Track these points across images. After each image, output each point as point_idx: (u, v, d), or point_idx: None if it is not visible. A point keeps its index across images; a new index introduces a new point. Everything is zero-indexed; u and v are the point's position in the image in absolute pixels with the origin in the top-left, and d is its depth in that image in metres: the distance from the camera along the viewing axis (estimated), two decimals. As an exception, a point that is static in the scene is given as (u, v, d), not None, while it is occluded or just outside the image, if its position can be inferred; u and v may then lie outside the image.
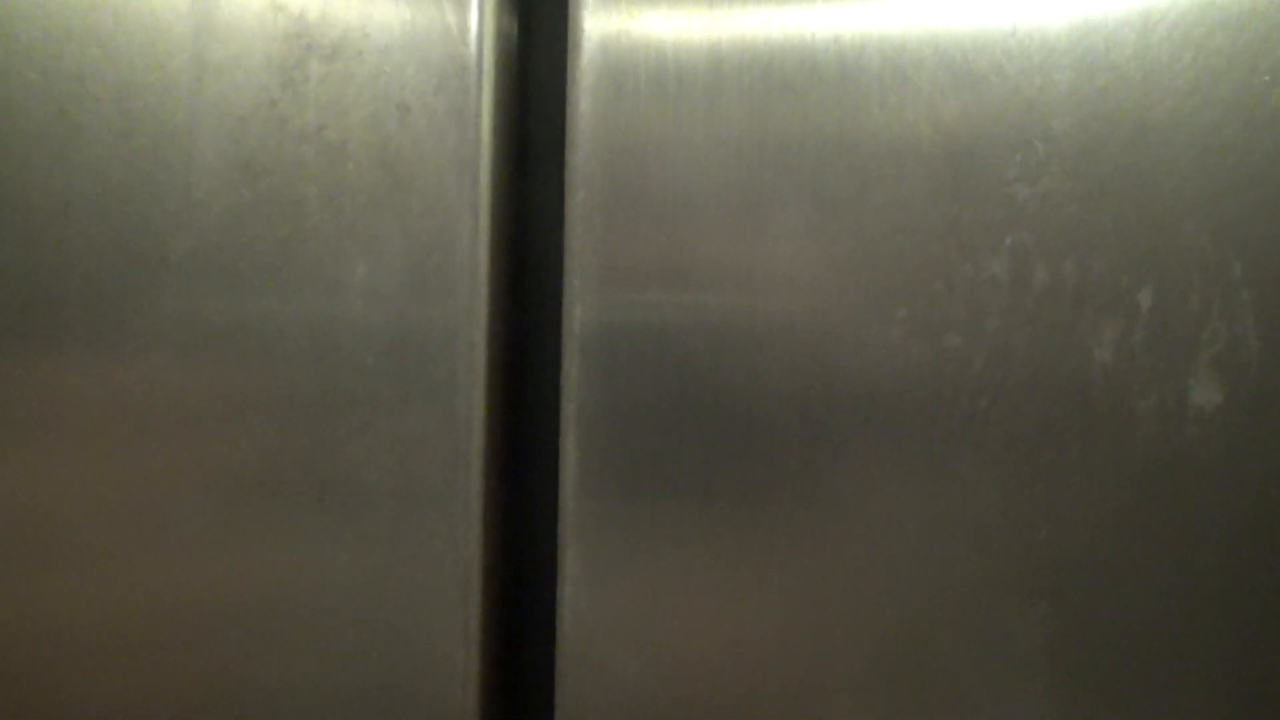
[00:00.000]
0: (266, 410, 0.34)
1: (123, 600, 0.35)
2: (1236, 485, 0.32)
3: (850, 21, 0.33)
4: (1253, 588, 0.32)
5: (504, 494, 0.37)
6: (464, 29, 0.33)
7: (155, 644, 0.35)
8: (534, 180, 0.38)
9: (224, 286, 0.34)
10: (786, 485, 0.34)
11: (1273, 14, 0.32)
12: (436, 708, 0.34)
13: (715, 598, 0.34)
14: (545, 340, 0.38)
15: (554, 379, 0.35)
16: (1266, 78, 0.32)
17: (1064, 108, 0.32)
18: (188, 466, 0.35)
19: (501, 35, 0.35)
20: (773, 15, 0.33)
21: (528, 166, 0.38)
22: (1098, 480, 0.32)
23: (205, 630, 0.35)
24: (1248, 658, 0.32)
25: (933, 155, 0.33)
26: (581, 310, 0.34)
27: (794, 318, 0.34)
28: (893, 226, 0.33)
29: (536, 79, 0.38)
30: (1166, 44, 0.32)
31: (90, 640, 0.36)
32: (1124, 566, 0.32)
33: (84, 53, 0.33)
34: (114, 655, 0.36)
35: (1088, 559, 0.33)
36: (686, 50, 0.33)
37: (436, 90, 0.33)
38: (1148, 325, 0.32)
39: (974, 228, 0.33)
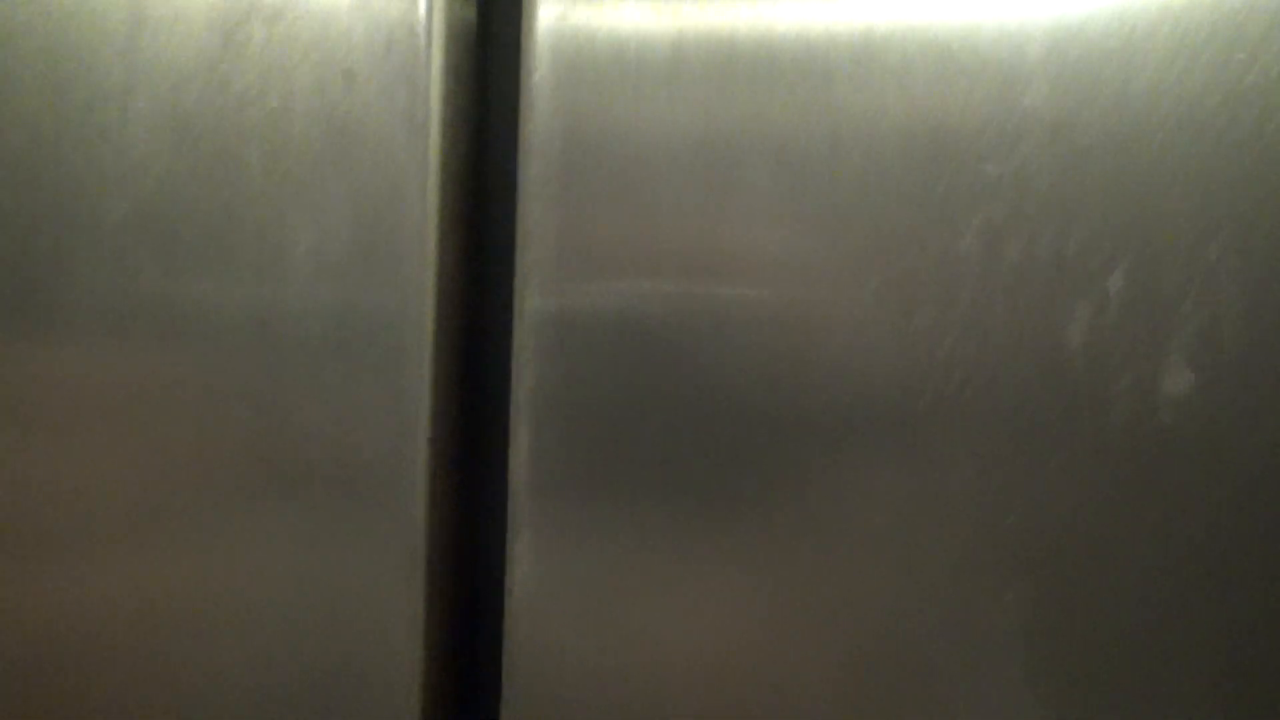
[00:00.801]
0: (203, 384, 0.33)
1: (41, 594, 0.34)
2: (1213, 468, 0.31)
3: (818, -14, 0.32)
4: (1231, 571, 0.31)
5: (456, 481, 0.35)
6: (416, -13, 0.32)
7: (80, 636, 0.34)
8: (494, 165, 0.37)
9: (161, 253, 0.32)
10: (752, 474, 0.32)
11: (1253, -16, 0.31)
12: (378, 699, 0.33)
13: (673, 592, 0.33)
14: (501, 319, 0.36)
15: (508, 360, 0.34)
16: (1242, 56, 0.31)
17: (1036, 81, 0.31)
18: (120, 449, 0.33)
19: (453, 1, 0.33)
20: (738, -21, 0.32)
21: (487, 152, 0.37)
22: (1072, 463, 0.31)
23: (132, 620, 0.33)
24: (1228, 642, 0.31)
25: (905, 125, 0.32)
26: (535, 294, 0.33)
27: (759, 294, 0.32)
28: (863, 197, 0.32)
29: (496, 59, 0.37)
30: (1144, 15, 0.31)
31: (8, 637, 0.34)
32: (1100, 550, 0.31)
33: (13, 3, 0.32)
34: (30, 651, 0.34)
35: (1063, 542, 0.31)
36: (648, 23, 0.32)
37: (385, 54, 0.32)
38: (1121, 305, 0.31)
39: (946, 202, 0.31)
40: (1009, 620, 0.31)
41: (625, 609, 0.33)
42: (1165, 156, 0.31)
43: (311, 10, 0.32)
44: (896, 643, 0.32)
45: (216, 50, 0.32)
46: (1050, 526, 0.31)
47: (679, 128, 0.32)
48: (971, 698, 0.32)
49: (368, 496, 0.33)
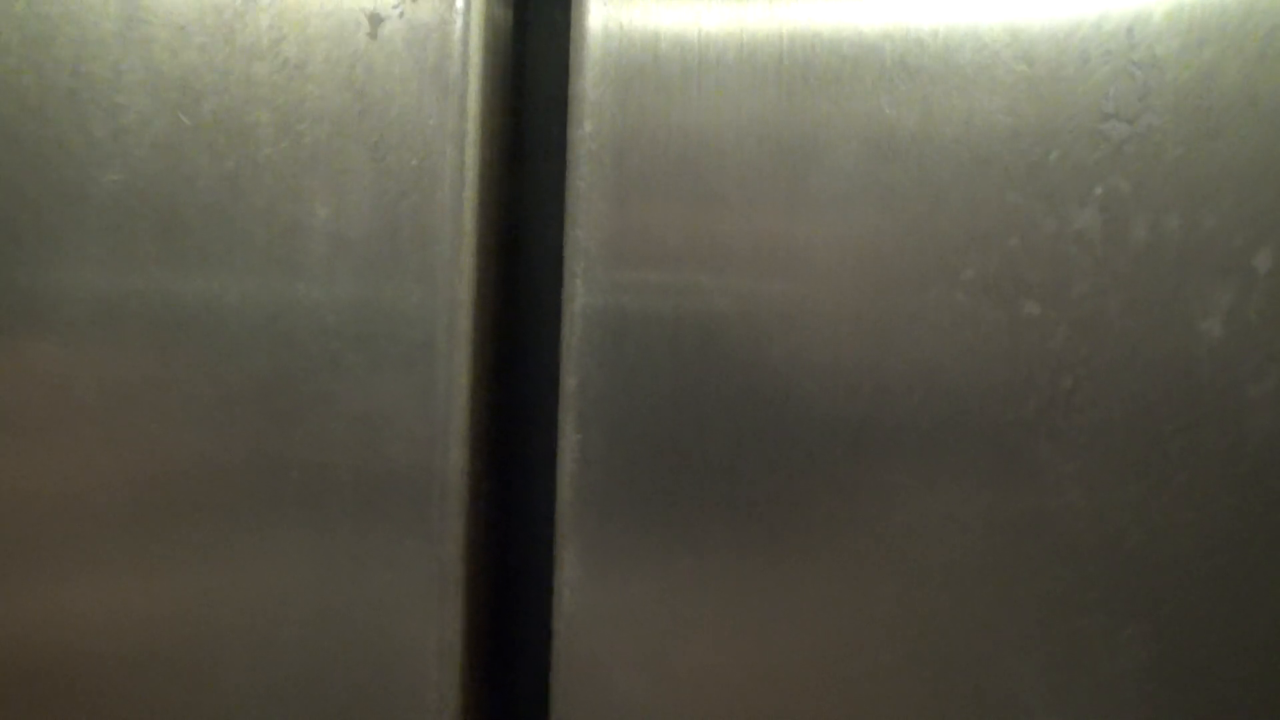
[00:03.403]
0: (206, 377, 0.29)
1: (39, 607, 0.30)
2: (1384, 487, 0.26)
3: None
4: None
5: (494, 488, 0.31)
6: (450, -78, 0.28)
7: (82, 653, 0.30)
8: (529, 120, 0.33)
9: (157, 227, 0.28)
10: (825, 482, 0.28)
11: None
12: (406, 733, 0.29)
13: (735, 617, 0.29)
14: (543, 305, 0.32)
15: (552, 353, 0.30)
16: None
17: (1171, 28, 0.27)
18: (114, 443, 0.29)
19: (495, -65, 0.29)
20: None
21: (522, 102, 0.33)
22: (1202, 478, 0.27)
23: (137, 638, 0.30)
24: None
25: (1012, 85, 0.27)
26: (585, 284, 0.29)
27: (838, 285, 0.28)
28: (961, 170, 0.28)
29: (534, 57, 0.33)
30: (1294, -44, 0.26)
31: (16, 652, 0.30)
32: (1233, 580, 0.27)
33: (-13, -61, 0.28)
34: (39, 665, 0.30)
35: (1190, 572, 0.27)
36: (706, 18, 0.28)
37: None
38: (1266, 292, 0.27)
39: (1059, 173, 0.27)
40: (1125, 660, 0.27)
41: (681, 632, 0.29)
42: (1323, 120, 0.26)
43: (329, -50, 0.28)
44: (989, 686, 0.28)
45: (221, -5, 0.28)
46: (1176, 553, 0.27)
47: (747, 119, 0.28)
48: (1081, 742, 0.28)
49: (393, 505, 0.29)
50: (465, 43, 0.28)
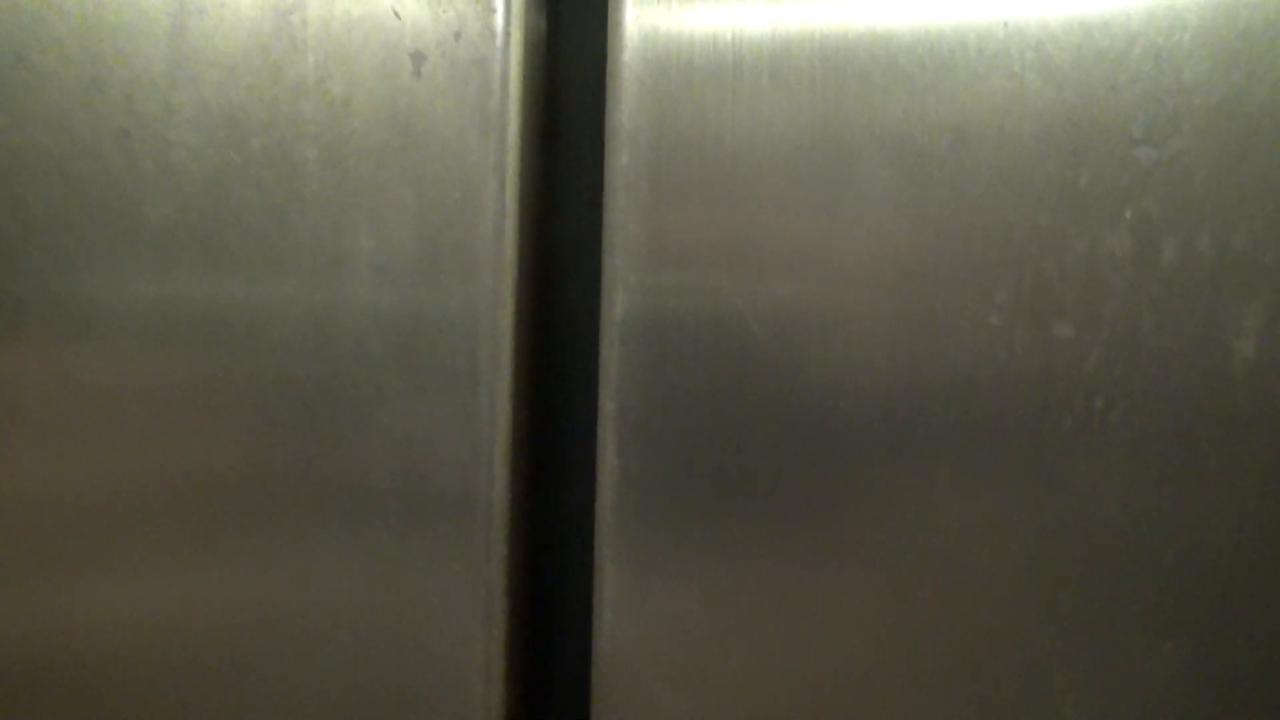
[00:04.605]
0: (255, 404, 0.29)
1: (89, 617, 0.31)
2: None
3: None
4: None
5: (531, 504, 0.32)
6: (489, -39, 0.28)
7: (124, 663, 0.31)
8: (564, 148, 0.33)
9: (206, 260, 0.29)
10: (864, 497, 0.29)
11: None
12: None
13: (779, 627, 0.29)
14: (579, 329, 0.33)
15: (589, 373, 0.30)
16: None
17: (1198, 53, 0.27)
18: (163, 469, 0.30)
19: (532, -28, 0.30)
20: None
21: (557, 130, 0.33)
22: (1238, 494, 0.27)
23: (176, 651, 0.30)
24: None
25: (1042, 111, 0.28)
26: (623, 293, 0.29)
27: (874, 301, 0.29)
28: (993, 194, 0.28)
29: (568, 65, 0.33)
30: (1318, -20, 0.27)
31: (59, 656, 0.31)
32: (1271, 593, 0.27)
33: (44, -15, 0.29)
34: (82, 673, 0.31)
35: (1228, 585, 0.27)
36: (746, 22, 0.29)
37: (457, 36, 0.29)
38: (1297, 312, 0.27)
39: (1090, 196, 0.28)
40: (1164, 673, 0.28)
41: (725, 645, 0.30)
42: (1351, 142, 0.27)
43: (371, -11, 0.29)
44: (1035, 697, 0.28)
45: (268, 34, 0.29)
46: (1214, 567, 0.27)
47: (784, 127, 0.29)
48: (1122, 758, 0.28)
49: (437, 526, 0.29)
50: (505, 80, 0.29)
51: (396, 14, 0.28)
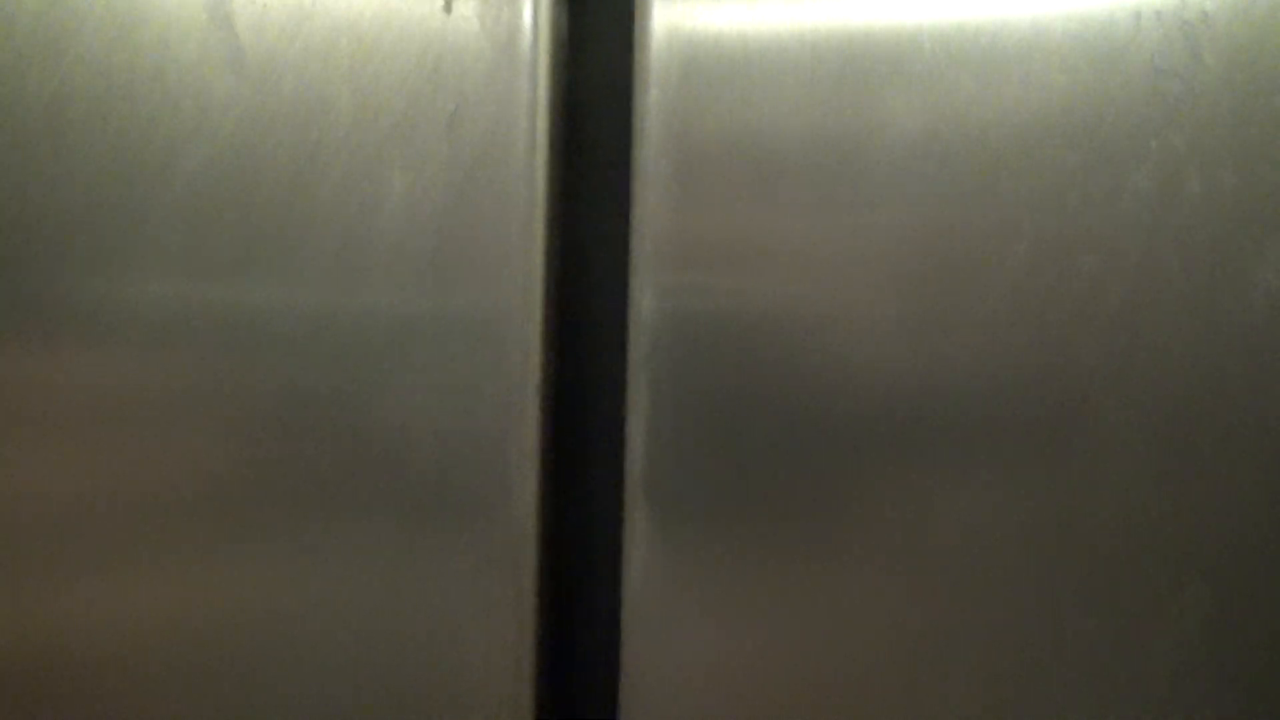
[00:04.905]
0: (287, 346, 0.30)
1: (104, 611, 0.31)
2: None
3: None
4: None
5: (558, 502, 0.32)
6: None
7: (136, 660, 0.31)
8: (589, 149, 0.33)
9: (240, 199, 0.30)
10: (892, 497, 0.29)
11: None
12: None
13: (803, 622, 0.30)
14: (602, 335, 0.33)
15: (612, 378, 0.31)
16: None
17: (1222, -12, 0.28)
18: (198, 393, 0.30)
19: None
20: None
21: (583, 131, 0.33)
22: (1264, 436, 0.28)
23: (180, 652, 0.30)
24: None
25: (1064, 44, 0.28)
26: (651, 295, 0.29)
27: (901, 299, 0.29)
28: (1015, 195, 0.28)
29: (591, 65, 0.33)
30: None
31: (64, 656, 0.31)
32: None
33: (82, -74, 0.29)
34: (95, 670, 0.31)
35: (1247, 537, 0.28)
36: (770, 21, 0.29)
37: (486, -22, 0.29)
38: (1321, 243, 0.27)
39: (1116, 130, 0.28)
40: (1167, 671, 0.28)
41: (748, 629, 0.30)
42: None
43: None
44: (1044, 698, 0.29)
45: (301, -23, 0.29)
46: (1232, 518, 0.28)
47: (806, 127, 0.29)
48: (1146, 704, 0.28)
49: (468, 526, 0.29)
50: (536, 14, 0.29)
51: (428, -45, 0.29)
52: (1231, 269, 0.28)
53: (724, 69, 0.29)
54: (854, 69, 0.29)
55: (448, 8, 0.29)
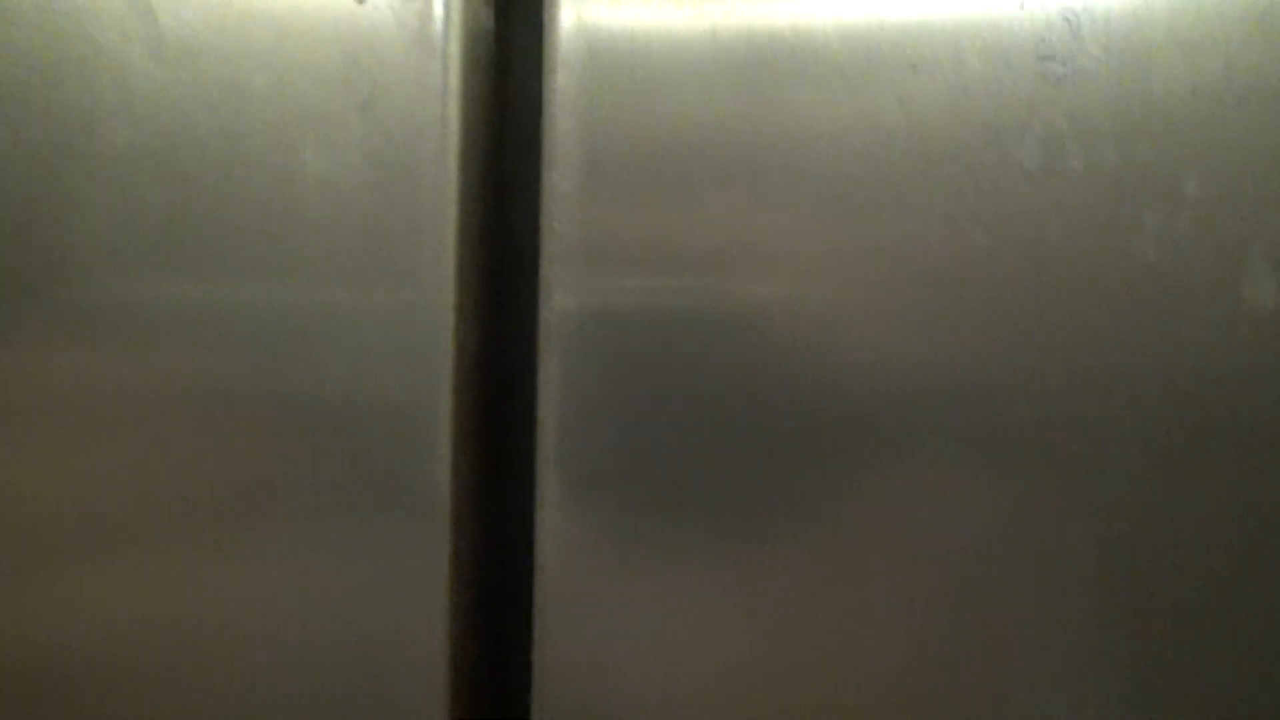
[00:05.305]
0: (219, 321, 0.31)
1: (61, 606, 0.31)
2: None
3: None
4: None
5: (476, 482, 0.33)
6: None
7: (86, 660, 0.31)
8: (508, 165, 0.34)
9: (162, 179, 0.30)
10: (799, 481, 0.30)
11: None
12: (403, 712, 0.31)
13: (709, 604, 0.30)
14: (519, 329, 0.34)
15: (534, 367, 0.31)
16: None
17: (1101, -26, 0.29)
18: (157, 375, 0.31)
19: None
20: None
21: (503, 151, 0.34)
22: (1142, 387, 0.29)
23: (150, 650, 0.31)
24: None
25: (956, 33, 0.29)
26: (560, 293, 0.30)
27: (800, 292, 0.30)
28: (910, 188, 0.30)
29: (512, 63, 0.34)
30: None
31: (56, 656, 0.32)
32: (1171, 489, 0.29)
33: (0, -85, 0.30)
34: (43, 673, 0.32)
35: (1132, 486, 0.29)
36: (675, 21, 0.30)
37: (400, -33, 0.30)
38: (1194, 217, 0.29)
39: (1002, 110, 0.29)
40: (1168, 669, 0.29)
41: (657, 619, 0.31)
42: (1240, 52, 0.28)
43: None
44: (1005, 684, 0.30)
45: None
46: (1115, 464, 0.29)
47: (711, 125, 0.30)
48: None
49: (384, 520, 0.30)
50: (447, 4, 0.30)
51: (341, -56, 0.30)
52: (1112, 243, 0.29)
53: (633, 68, 0.30)
54: (758, 64, 0.30)
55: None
